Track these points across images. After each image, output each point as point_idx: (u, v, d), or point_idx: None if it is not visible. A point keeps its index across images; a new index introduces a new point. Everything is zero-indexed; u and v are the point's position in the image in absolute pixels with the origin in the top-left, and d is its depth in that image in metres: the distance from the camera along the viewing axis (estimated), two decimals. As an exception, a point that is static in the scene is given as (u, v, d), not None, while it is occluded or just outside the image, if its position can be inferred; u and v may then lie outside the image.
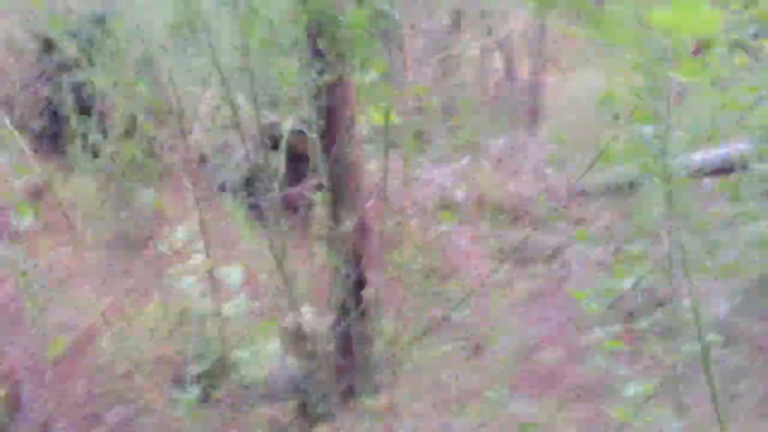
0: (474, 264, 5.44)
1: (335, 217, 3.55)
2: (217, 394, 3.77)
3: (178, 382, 3.72)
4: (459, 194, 6.38)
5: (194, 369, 3.68)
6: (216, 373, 3.79)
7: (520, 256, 6.25)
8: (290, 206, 4.76)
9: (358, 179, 3.71)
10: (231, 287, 4.08)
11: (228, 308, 3.86)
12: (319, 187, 3.69)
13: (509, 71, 10.65)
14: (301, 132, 3.88)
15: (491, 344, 4.71)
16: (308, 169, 3.89)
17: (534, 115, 9.25)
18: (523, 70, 10.54)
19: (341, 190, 3.60)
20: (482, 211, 6.25)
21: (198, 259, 3.95)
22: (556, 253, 6.27)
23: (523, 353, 4.53)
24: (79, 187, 4.80)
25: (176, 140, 3.94)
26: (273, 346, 3.98)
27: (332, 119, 3.57)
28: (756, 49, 3.54)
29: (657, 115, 2.27)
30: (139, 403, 3.78)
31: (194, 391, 3.57)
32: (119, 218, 4.75)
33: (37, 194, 4.53)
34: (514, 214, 6.41)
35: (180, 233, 4.31)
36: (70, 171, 4.94)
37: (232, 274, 4.16)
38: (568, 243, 6.23)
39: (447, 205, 6.49)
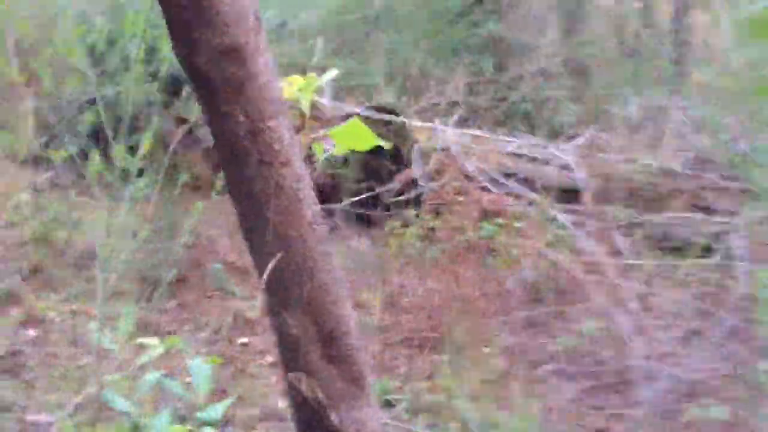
0: (602, 272, 4.19)
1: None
2: None
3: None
4: (581, 177, 5.11)
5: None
6: None
7: (662, 247, 4.91)
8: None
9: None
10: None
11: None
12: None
13: (647, 16, 9.01)
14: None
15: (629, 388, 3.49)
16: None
17: (679, 67, 7.64)
18: (666, 12, 8.85)
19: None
20: (611, 195, 4.95)
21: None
22: (715, 241, 4.85)
23: (674, 403, 3.28)
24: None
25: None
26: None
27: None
28: None
29: None
30: None
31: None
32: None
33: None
34: (652, 194, 5.06)
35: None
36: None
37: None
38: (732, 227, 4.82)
39: (568, 190, 5.25)
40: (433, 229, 4.77)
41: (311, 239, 1.45)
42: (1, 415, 2.83)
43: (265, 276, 1.45)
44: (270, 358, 3.89)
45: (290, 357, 1.53)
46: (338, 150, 1.69)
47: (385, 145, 1.78)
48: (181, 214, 4.09)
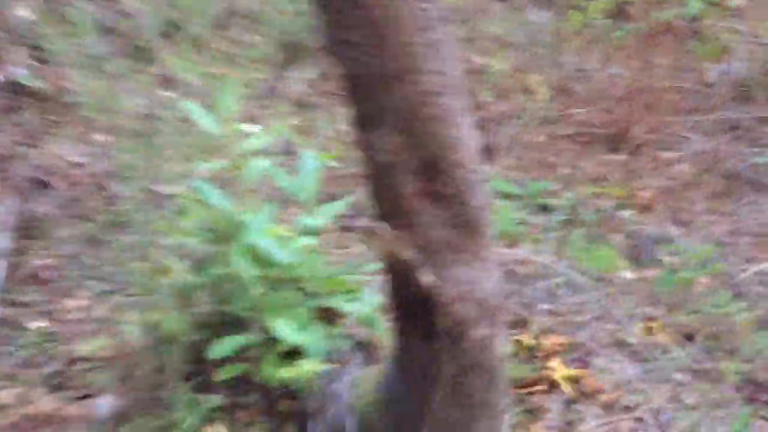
0: None
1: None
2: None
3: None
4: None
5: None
6: None
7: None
8: None
9: None
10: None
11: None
12: None
13: None
14: None
15: None
16: None
17: None
18: None
19: None
20: None
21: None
22: None
23: None
24: None
25: None
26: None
27: None
28: None
29: None
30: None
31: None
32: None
33: None
34: None
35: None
36: None
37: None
38: None
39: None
40: (625, 2, 3.94)
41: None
42: (127, 181, 2.73)
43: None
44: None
45: (379, 191, 1.11)
46: None
47: None
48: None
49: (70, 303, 2.37)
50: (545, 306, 2.43)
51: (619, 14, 3.94)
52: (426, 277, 1.08)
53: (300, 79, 3.50)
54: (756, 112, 3.85)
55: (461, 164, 1.07)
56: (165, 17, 3.45)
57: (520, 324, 2.33)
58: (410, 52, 0.97)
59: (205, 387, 1.83)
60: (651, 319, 2.49)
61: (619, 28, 3.95)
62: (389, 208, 1.11)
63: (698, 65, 4.04)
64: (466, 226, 1.11)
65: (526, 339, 2.26)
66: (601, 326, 2.40)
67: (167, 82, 3.18)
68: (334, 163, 3.22)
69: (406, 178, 1.06)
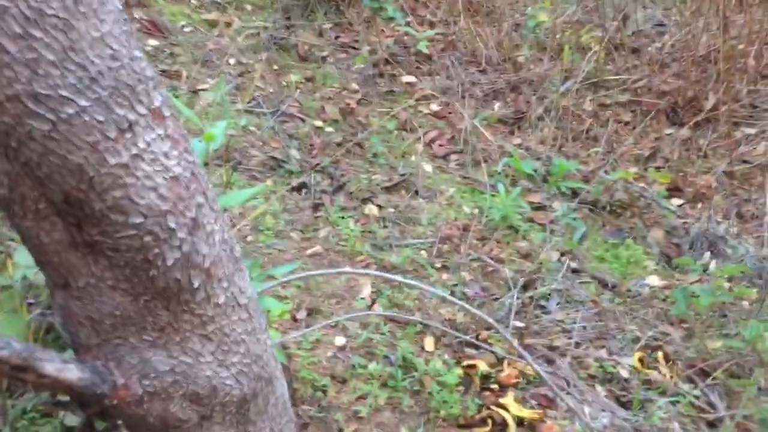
0: None
1: None
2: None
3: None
4: None
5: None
6: None
7: None
8: None
9: None
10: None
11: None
12: None
13: None
14: None
15: None
16: None
17: None
18: None
19: None
20: None
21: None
22: None
23: None
24: None
25: None
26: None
27: None
28: None
29: None
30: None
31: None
32: None
33: None
34: None
35: None
36: None
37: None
38: None
39: None
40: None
41: None
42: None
43: None
44: (434, 107, 3.08)
45: (22, 236, 0.77)
46: None
47: None
48: None
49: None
50: (518, 322, 1.99)
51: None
52: (60, 371, 0.72)
53: (309, 28, 3.11)
54: None
55: (121, 207, 0.70)
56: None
57: (478, 344, 1.91)
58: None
59: None
60: (657, 347, 2.00)
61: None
62: (39, 260, 0.75)
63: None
64: (158, 295, 0.74)
65: (483, 365, 1.85)
66: (587, 352, 1.94)
67: (153, 28, 2.88)
68: (330, 128, 2.88)
69: (44, 222, 0.70)
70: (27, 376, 0.70)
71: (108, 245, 0.72)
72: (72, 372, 0.73)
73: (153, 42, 2.86)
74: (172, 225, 0.73)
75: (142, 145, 0.71)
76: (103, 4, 0.68)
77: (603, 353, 1.94)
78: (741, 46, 3.15)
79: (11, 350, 0.68)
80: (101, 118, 0.67)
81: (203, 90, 2.60)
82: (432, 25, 3.36)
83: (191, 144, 0.80)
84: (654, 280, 2.35)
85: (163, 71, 2.78)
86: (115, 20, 0.69)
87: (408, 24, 3.23)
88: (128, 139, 0.70)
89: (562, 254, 2.37)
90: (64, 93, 0.65)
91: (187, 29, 2.97)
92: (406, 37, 3.22)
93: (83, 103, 0.66)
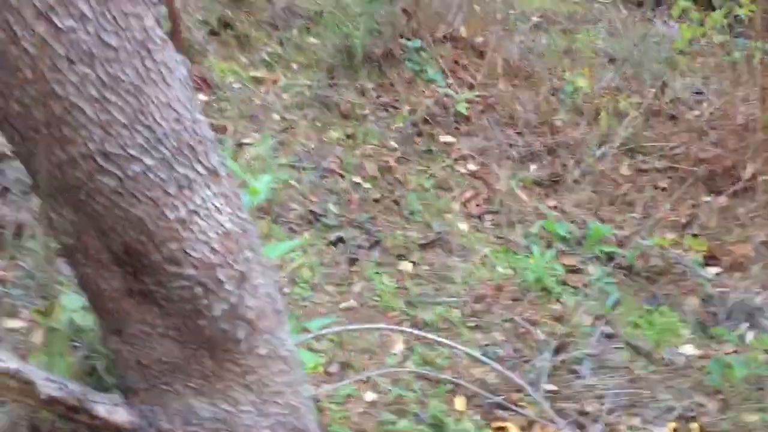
0: None
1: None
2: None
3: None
4: None
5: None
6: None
7: None
8: None
9: None
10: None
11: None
12: None
13: None
14: None
15: None
16: None
17: None
18: None
19: None
20: None
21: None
22: None
23: None
24: None
25: None
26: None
27: None
28: None
29: None
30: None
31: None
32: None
33: None
34: None
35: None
36: None
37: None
38: None
39: None
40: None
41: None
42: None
43: None
44: (472, 167, 3.13)
45: (82, 282, 0.81)
46: None
47: None
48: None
49: None
50: (550, 385, 1.98)
51: (741, 26, 3.30)
52: (111, 413, 0.76)
53: (352, 87, 3.21)
54: None
55: (176, 259, 0.74)
56: (217, 14, 3.28)
57: (509, 406, 1.91)
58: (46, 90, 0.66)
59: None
60: (691, 418, 1.97)
61: (741, 43, 3.33)
62: (95, 305, 0.80)
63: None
64: (204, 344, 0.78)
65: (513, 428, 1.84)
66: (619, 420, 1.92)
67: (203, 84, 3.00)
68: (368, 185, 2.94)
69: (103, 270, 0.75)
70: (80, 417, 0.73)
71: (161, 294, 0.76)
72: (122, 415, 0.76)
73: (202, 97, 2.98)
74: (222, 277, 0.78)
75: (198, 201, 0.76)
76: (171, 72, 0.73)
77: (636, 421, 1.92)
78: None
79: (67, 391, 0.72)
80: (164, 176, 0.72)
81: (248, 144, 2.69)
82: (471, 87, 3.43)
83: (243, 201, 0.85)
84: (689, 349, 2.32)
85: (211, 125, 2.87)
86: (181, 86, 0.75)
87: (448, 85, 3.31)
88: (187, 195, 0.74)
89: (596, 318, 2.37)
90: (132, 152, 0.70)
91: (235, 85, 3.09)
92: (445, 98, 3.29)
93: (149, 161, 0.71)
